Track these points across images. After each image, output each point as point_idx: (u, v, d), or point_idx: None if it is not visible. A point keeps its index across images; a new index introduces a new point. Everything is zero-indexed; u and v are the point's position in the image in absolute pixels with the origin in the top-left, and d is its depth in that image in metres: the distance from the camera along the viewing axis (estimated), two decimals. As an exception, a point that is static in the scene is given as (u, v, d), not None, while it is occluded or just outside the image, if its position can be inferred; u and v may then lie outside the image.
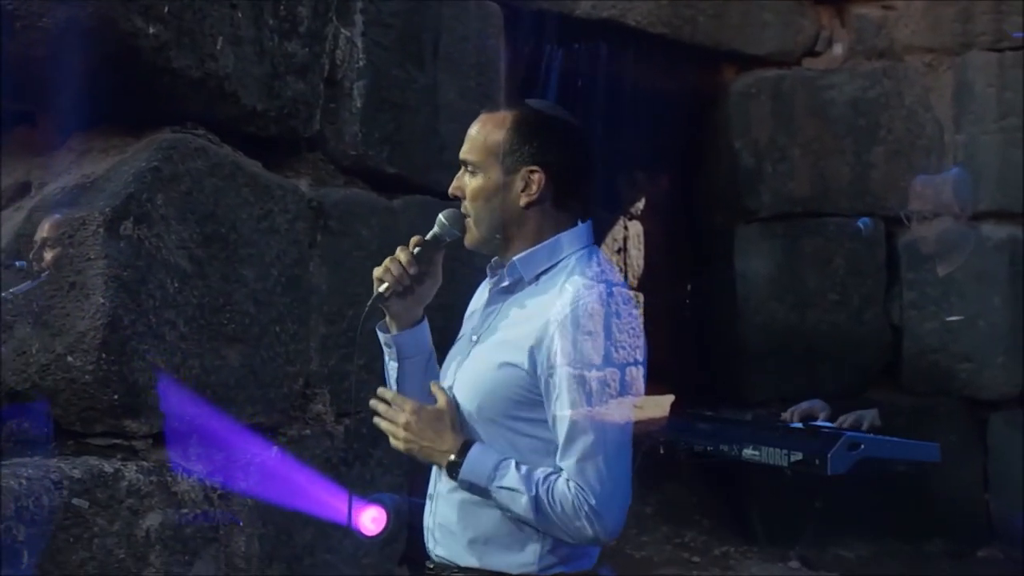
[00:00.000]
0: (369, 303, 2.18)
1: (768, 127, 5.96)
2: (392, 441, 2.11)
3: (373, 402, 2.14)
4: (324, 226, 3.99)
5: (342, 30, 4.12)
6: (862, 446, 2.96)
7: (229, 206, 3.38)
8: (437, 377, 2.24)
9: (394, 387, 2.23)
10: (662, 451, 3.21)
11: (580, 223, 2.12)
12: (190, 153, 3.18)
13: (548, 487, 1.98)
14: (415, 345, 2.24)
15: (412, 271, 2.15)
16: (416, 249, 2.16)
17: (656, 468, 5.53)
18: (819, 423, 3.53)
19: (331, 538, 3.96)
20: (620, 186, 9.46)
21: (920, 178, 4.58)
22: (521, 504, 1.98)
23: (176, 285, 3.11)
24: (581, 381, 1.97)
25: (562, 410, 1.99)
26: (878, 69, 5.98)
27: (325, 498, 3.87)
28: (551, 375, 2.00)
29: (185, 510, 3.13)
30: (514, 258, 2.09)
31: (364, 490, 4.19)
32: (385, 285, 2.16)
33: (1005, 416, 5.74)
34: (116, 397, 2.93)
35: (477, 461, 2.02)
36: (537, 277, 2.08)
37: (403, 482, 4.40)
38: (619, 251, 9.80)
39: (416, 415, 2.07)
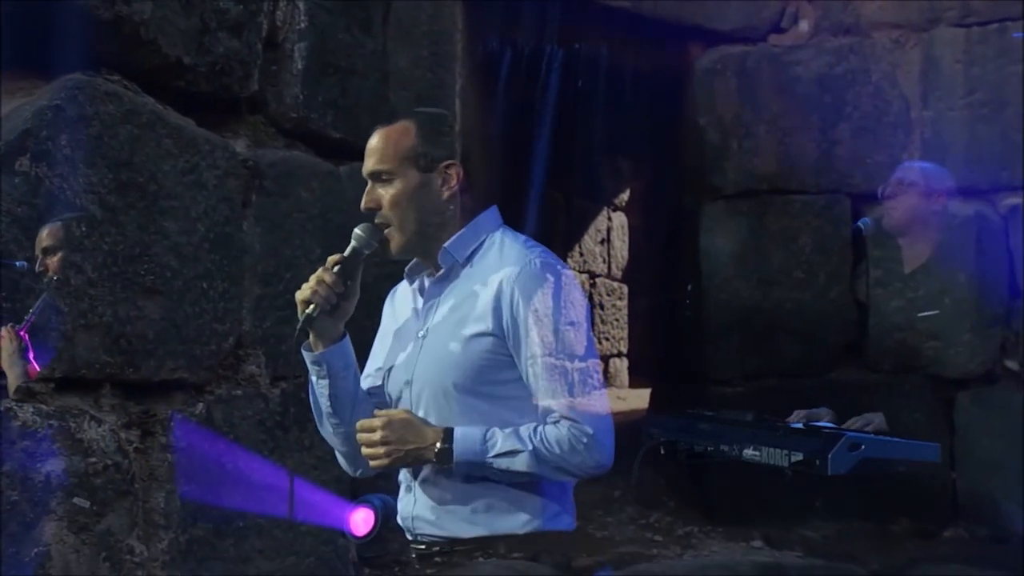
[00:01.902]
0: (299, 327, 2.21)
1: (733, 104, 5.91)
2: (374, 463, 2.17)
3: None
4: (259, 186, 3.95)
5: (282, -9, 4.09)
6: (863, 446, 2.92)
7: (148, 156, 3.34)
8: (363, 389, 2.31)
9: (327, 405, 2.28)
10: (662, 451, 3.19)
11: (486, 208, 2.29)
12: (100, 96, 3.14)
13: (540, 436, 2.07)
14: (342, 360, 2.27)
15: (339, 290, 2.20)
16: (336, 267, 2.20)
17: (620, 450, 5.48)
18: (820, 424, 3.51)
19: (265, 502, 3.90)
20: (602, 176, 9.40)
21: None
22: (522, 461, 2.07)
23: (84, 229, 3.07)
24: (550, 324, 2.09)
25: (540, 355, 2.10)
26: (844, 45, 5.92)
27: (256, 459, 3.83)
28: (517, 328, 2.11)
29: (94, 459, 3.07)
30: (445, 245, 2.23)
31: (303, 456, 4.14)
32: (312, 306, 2.19)
33: (971, 395, 5.67)
34: (10, 337, 2.89)
35: (465, 439, 2.09)
36: (469, 258, 2.23)
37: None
38: (602, 242, 9.75)
39: (389, 426, 2.14)
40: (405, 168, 2.19)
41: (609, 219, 9.84)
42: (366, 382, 2.34)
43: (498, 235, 2.23)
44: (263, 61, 4.09)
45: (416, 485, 2.25)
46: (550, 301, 2.10)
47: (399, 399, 2.27)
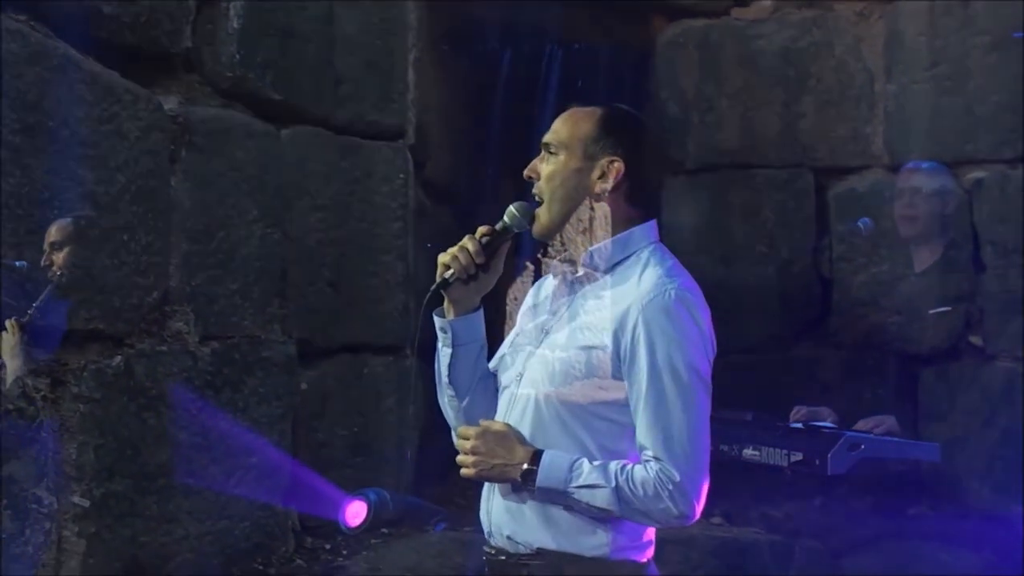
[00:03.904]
0: (433, 288, 2.21)
1: (695, 78, 5.86)
2: (462, 471, 2.13)
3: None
4: (189, 142, 3.91)
5: (213, -54, 4.06)
6: (862, 446, 2.89)
7: (59, 100, 3.31)
8: (487, 367, 2.28)
9: (446, 374, 2.26)
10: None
11: (647, 220, 2.24)
12: (1, 34, 3.10)
13: (627, 476, 2.01)
14: (470, 332, 2.25)
15: (479, 260, 2.18)
16: (484, 239, 2.17)
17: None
18: (819, 423, 3.48)
19: (192, 461, 3.85)
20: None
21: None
22: (602, 497, 2.02)
23: (-20, 167, 3.03)
24: (666, 360, 2.03)
25: (645, 389, 2.03)
26: (808, 18, 5.85)
27: (185, 416, 3.78)
28: (634, 357, 2.05)
29: (-9, 404, 3.03)
30: (590, 248, 2.19)
31: (237, 418, 4.09)
32: (451, 271, 2.17)
33: (936, 370, 5.58)
34: None
35: (551, 466, 2.04)
36: (612, 267, 2.18)
37: (285, 413, 4.30)
38: (584, 232, 9.66)
39: (482, 437, 2.12)
40: (572, 147, 2.17)
41: (592, 208, 9.75)
42: (494, 361, 2.30)
43: (646, 253, 2.18)
44: (198, 18, 4.07)
45: (496, 485, 2.20)
46: (672, 336, 2.05)
47: (506, 389, 2.23)
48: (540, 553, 2.10)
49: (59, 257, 3.13)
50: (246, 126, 4.17)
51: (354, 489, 4.27)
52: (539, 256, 2.31)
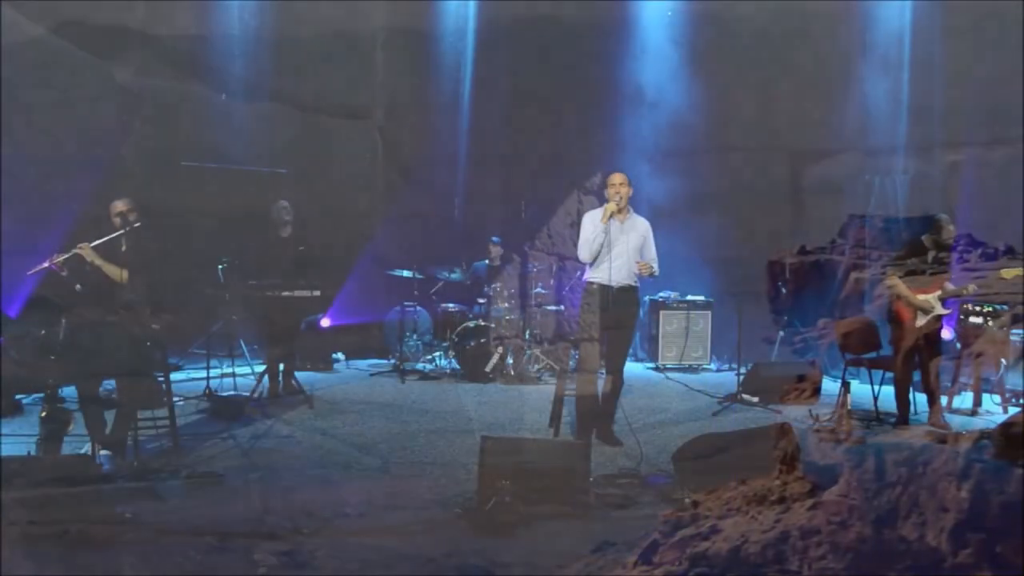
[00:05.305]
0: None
1: (672, 61, 5.83)
2: None
3: None
4: (142, 114, 3.89)
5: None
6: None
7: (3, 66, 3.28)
8: None
9: None
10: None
11: None
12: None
13: None
14: None
15: None
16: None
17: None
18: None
19: (143, 434, 3.82)
20: (572, 156, 9.28)
21: None
22: None
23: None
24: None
25: None
26: (785, 3, 5.82)
27: (136, 388, 3.75)
28: None
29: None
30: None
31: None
32: None
33: (918, 358, 5.52)
34: None
35: None
36: None
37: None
38: (572, 225, 9.63)
39: None
40: None
41: (580, 202, 9.70)
42: None
43: None
44: (154, -7, 4.05)
45: None
46: None
47: None
48: None
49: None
50: (204, 100, 4.15)
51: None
52: (526, 248, 2.28)
